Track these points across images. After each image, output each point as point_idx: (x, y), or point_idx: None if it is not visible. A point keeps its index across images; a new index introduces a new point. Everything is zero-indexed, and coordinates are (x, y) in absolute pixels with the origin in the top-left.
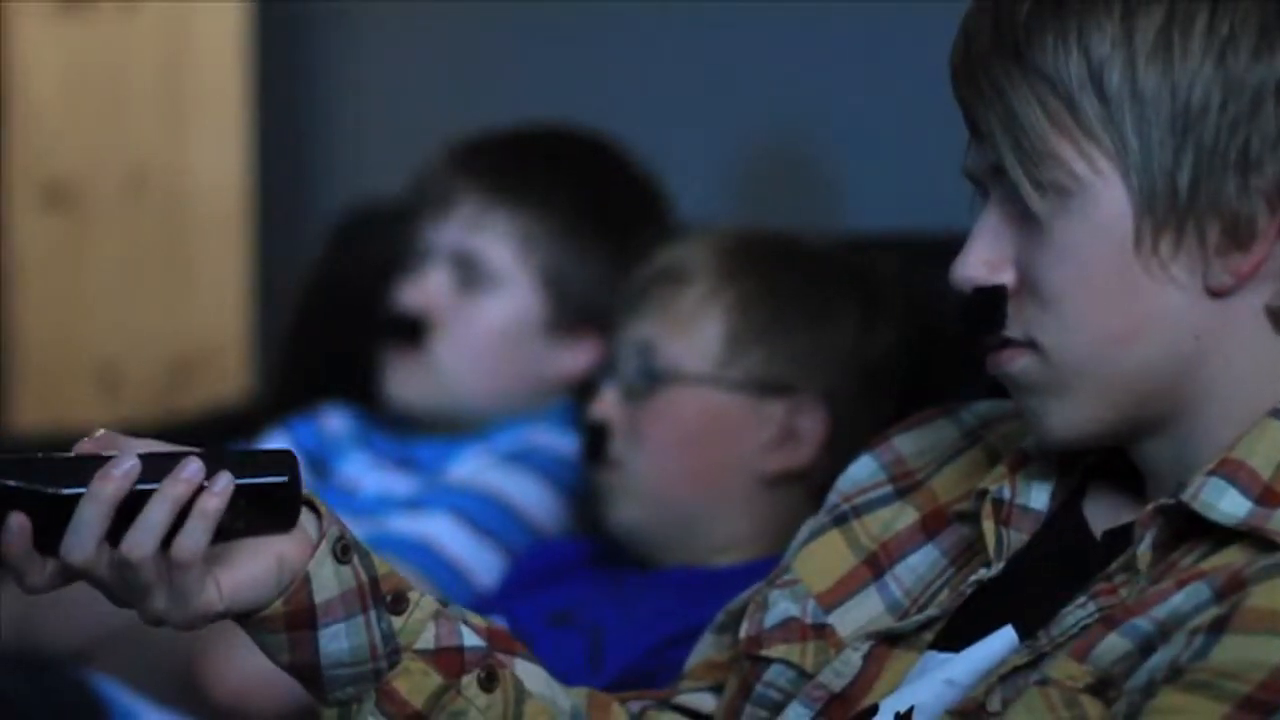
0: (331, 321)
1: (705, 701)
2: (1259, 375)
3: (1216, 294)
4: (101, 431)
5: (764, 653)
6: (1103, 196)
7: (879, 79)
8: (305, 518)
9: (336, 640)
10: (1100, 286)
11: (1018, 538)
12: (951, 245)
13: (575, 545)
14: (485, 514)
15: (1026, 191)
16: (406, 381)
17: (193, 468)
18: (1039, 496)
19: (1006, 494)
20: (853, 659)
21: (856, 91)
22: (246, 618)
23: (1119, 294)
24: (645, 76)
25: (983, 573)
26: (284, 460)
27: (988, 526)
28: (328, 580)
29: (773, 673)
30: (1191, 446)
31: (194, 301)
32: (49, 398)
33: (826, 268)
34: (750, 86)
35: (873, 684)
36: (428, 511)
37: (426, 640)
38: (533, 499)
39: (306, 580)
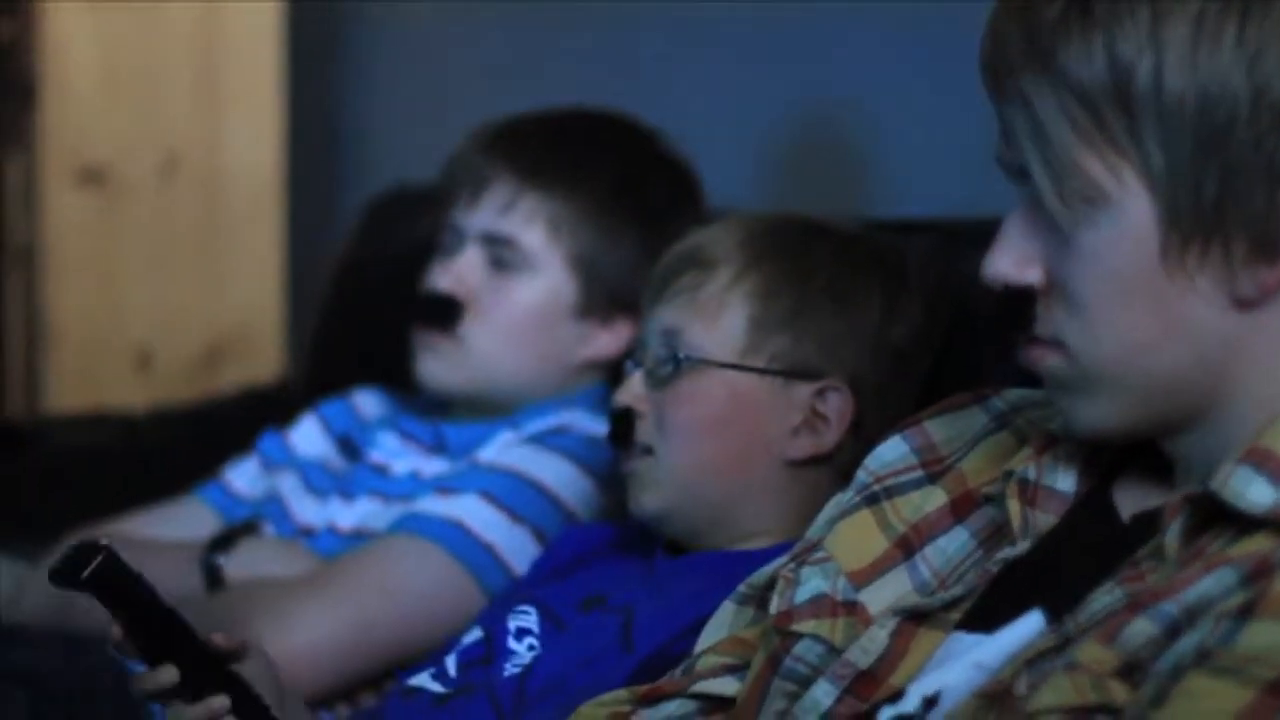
0: (364, 304)
1: (727, 685)
2: None
3: (1244, 305)
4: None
5: (794, 627)
6: (1129, 209)
7: (910, 63)
8: None
9: None
10: (1126, 296)
11: (1044, 519)
12: (983, 230)
13: (606, 530)
14: (516, 496)
15: (1051, 202)
16: (438, 364)
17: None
18: (1065, 479)
19: (1032, 475)
20: (879, 636)
21: (888, 75)
22: None
23: (1145, 303)
24: (674, 61)
25: (1009, 551)
26: None
27: (1012, 506)
28: None
29: (802, 647)
30: (1221, 437)
31: (228, 284)
32: (84, 380)
33: (851, 251)
34: (780, 71)
35: (899, 661)
36: (459, 493)
37: None
38: (564, 481)
39: None
